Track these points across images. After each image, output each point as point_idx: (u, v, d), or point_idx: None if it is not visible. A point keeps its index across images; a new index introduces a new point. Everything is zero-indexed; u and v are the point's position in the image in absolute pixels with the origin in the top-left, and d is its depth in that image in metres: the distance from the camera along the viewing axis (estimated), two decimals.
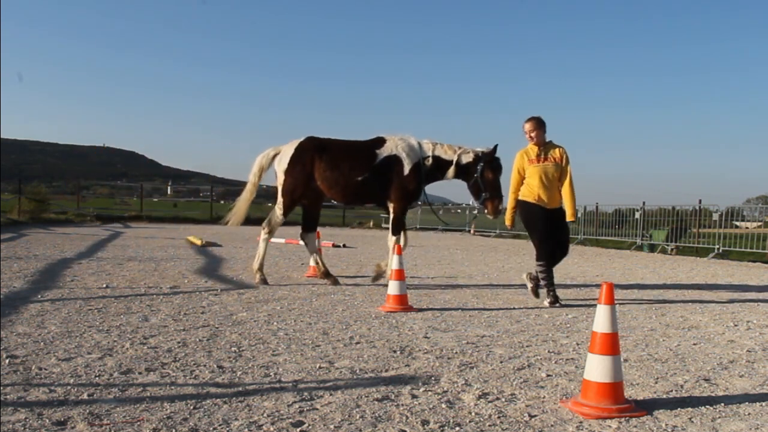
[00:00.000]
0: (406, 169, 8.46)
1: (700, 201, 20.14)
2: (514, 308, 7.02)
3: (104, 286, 7.77)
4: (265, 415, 3.27)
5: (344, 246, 16.75)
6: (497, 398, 3.68)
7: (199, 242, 15.71)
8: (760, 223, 21.92)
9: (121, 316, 5.86)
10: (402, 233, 8.57)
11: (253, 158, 9.12)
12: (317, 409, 3.39)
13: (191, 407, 3.35)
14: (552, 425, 3.26)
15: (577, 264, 13.22)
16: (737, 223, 22.63)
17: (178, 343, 4.86)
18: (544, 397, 3.74)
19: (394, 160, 8.57)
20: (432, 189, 8.93)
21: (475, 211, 9.90)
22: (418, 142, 8.69)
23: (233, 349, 4.72)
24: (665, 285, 9.91)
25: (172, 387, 3.72)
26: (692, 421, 3.37)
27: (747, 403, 3.73)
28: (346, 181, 8.56)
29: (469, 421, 3.27)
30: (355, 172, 8.54)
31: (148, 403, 3.40)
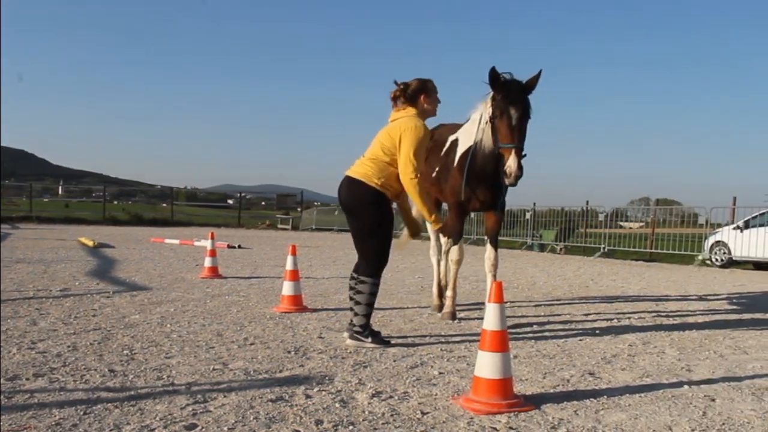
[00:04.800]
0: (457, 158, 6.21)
1: (587, 202, 20.98)
2: (407, 307, 7.09)
3: None
4: (157, 418, 3.19)
5: (239, 247, 16.50)
6: (390, 396, 3.71)
7: (91, 243, 15.22)
8: (642, 224, 23.04)
9: (8, 320, 5.57)
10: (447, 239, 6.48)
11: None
12: (210, 411, 3.33)
13: (81, 413, 3.23)
14: (444, 422, 3.31)
15: (470, 264, 13.48)
16: (622, 224, 23.72)
17: (68, 347, 4.67)
18: (436, 394, 3.79)
19: (452, 147, 6.34)
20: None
21: None
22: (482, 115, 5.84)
23: (125, 352, 4.57)
24: (554, 283, 10.26)
25: (62, 392, 3.58)
26: (577, 414, 3.50)
27: (628, 394, 3.90)
28: (429, 178, 6.50)
29: (363, 420, 3.28)
30: (431, 166, 6.49)
31: (35, 410, 3.25)
